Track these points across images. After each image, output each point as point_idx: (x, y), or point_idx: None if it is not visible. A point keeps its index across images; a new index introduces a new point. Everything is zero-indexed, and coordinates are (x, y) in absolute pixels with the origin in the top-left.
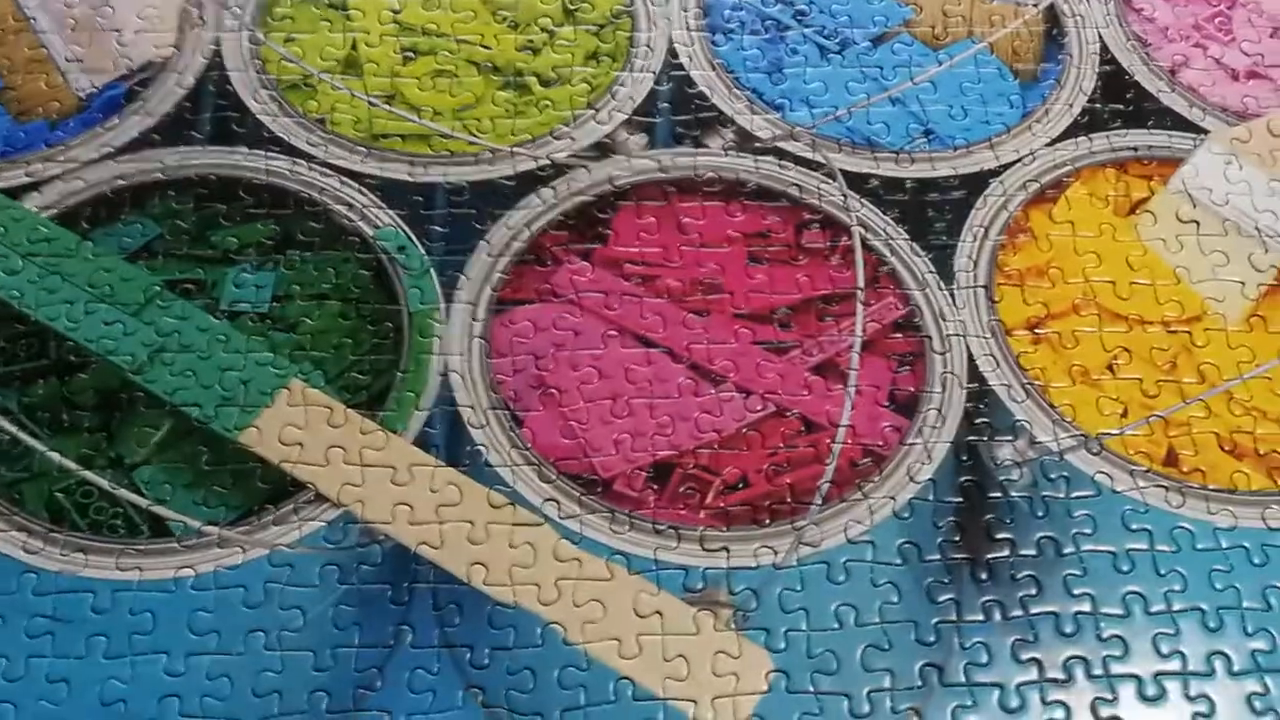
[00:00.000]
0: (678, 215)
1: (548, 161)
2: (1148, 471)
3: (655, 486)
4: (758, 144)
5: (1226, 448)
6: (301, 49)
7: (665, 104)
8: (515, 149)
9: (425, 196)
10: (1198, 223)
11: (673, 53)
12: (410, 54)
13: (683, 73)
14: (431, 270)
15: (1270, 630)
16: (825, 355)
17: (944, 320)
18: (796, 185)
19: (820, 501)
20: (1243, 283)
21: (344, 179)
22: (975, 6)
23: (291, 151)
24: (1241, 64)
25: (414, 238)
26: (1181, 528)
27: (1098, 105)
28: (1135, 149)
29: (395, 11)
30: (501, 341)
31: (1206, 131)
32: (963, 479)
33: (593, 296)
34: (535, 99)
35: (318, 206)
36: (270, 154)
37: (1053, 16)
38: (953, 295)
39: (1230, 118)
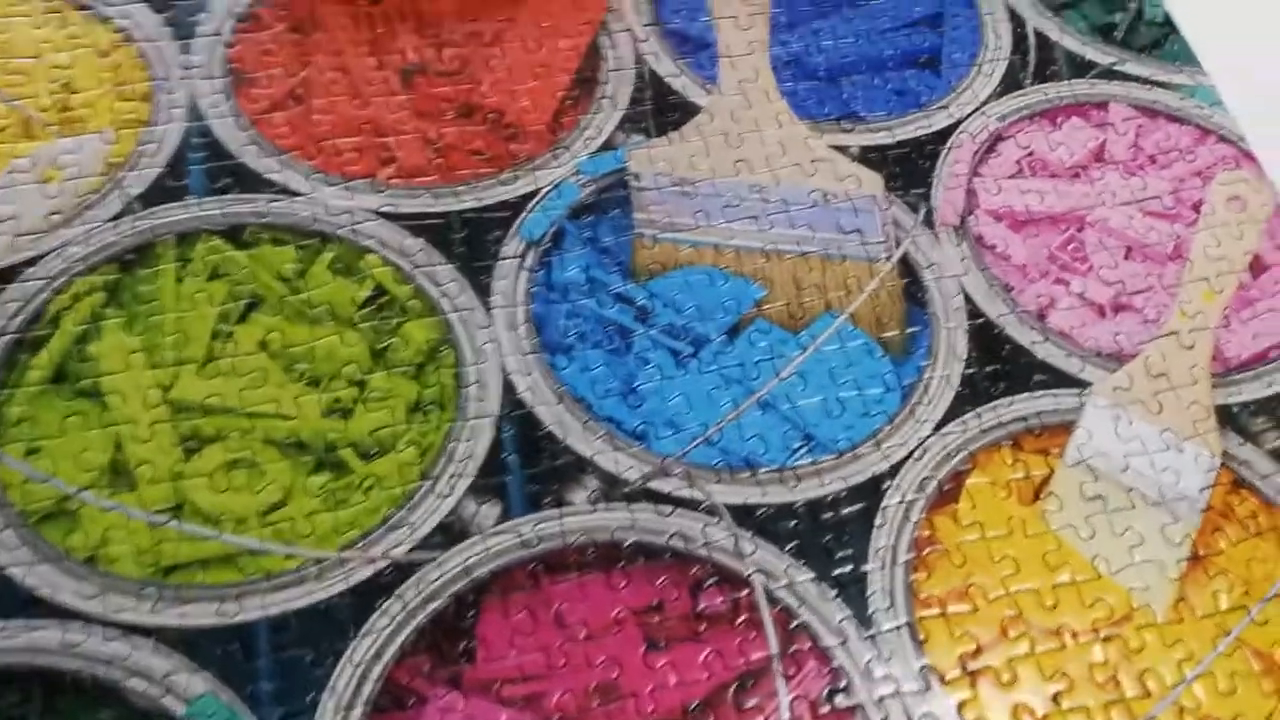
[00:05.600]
0: (552, 602)
1: (387, 563)
2: None
3: None
4: (627, 489)
5: None
6: (51, 460)
7: (511, 456)
8: (344, 553)
9: (244, 642)
10: (1103, 498)
11: (509, 385)
12: (192, 443)
13: (524, 410)
14: None
15: None
16: None
17: (872, 678)
18: (680, 534)
19: None
20: (1163, 563)
21: (134, 641)
22: (827, 270)
23: (57, 613)
24: (1105, 296)
25: (240, 700)
26: None
27: (973, 370)
28: (1025, 419)
29: (164, 388)
30: None
31: (1088, 384)
32: None
33: None
34: (357, 479)
35: (107, 690)
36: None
37: (908, 270)
38: (874, 640)
39: (1107, 362)
